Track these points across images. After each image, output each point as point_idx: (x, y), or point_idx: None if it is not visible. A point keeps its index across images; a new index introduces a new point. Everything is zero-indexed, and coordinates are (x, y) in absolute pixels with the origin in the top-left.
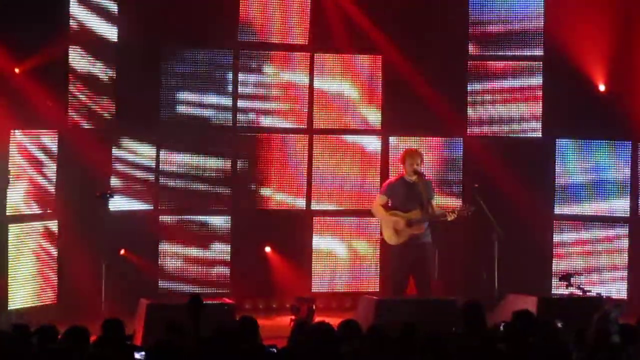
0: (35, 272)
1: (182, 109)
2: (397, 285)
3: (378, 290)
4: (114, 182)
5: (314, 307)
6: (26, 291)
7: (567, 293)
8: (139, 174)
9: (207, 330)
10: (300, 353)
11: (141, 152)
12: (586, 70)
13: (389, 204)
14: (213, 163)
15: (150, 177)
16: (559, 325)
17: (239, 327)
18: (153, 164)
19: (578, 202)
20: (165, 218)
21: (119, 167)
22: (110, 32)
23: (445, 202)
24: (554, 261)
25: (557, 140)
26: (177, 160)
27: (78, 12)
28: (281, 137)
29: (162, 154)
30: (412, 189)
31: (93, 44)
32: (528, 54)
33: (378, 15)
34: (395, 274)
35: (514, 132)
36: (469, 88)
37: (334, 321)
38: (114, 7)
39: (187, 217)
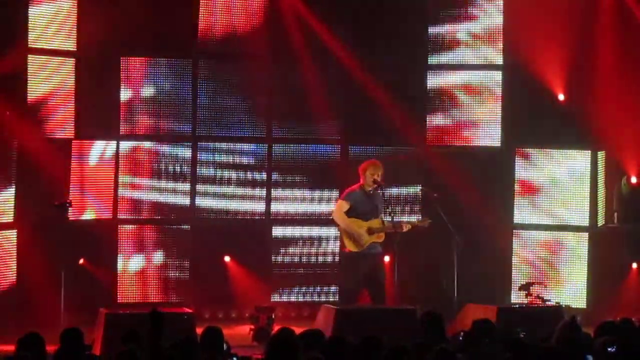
0: None
1: (141, 118)
2: (350, 293)
3: (338, 299)
4: (73, 191)
5: (273, 316)
6: None
7: (526, 302)
8: (98, 183)
9: (166, 339)
10: None
11: (100, 161)
12: (546, 80)
13: (349, 212)
14: (172, 173)
15: (110, 186)
16: (521, 335)
17: (202, 337)
18: (112, 174)
19: (537, 211)
20: (124, 227)
21: (78, 176)
22: (69, 41)
23: (404, 212)
24: (513, 271)
25: (516, 149)
26: (136, 169)
27: (37, 21)
28: (241, 145)
29: (122, 163)
30: (370, 198)
31: (52, 53)
32: (487, 63)
33: (336, 24)
34: (349, 283)
35: (474, 141)
36: (428, 97)
37: (295, 330)
38: (73, 17)
39: (146, 226)
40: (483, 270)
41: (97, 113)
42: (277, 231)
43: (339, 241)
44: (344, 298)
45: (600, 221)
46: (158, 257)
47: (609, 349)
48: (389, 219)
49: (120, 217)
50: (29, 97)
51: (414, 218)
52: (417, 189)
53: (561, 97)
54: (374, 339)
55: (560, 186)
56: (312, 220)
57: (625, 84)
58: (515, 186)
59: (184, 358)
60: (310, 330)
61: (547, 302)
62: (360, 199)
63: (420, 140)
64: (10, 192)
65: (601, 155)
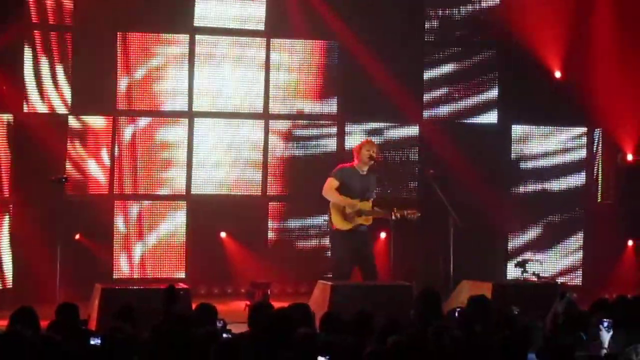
0: None
1: (138, 93)
2: (342, 270)
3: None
4: (69, 166)
5: (268, 292)
6: None
7: (522, 279)
8: (94, 158)
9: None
10: (257, 337)
11: (97, 136)
12: (542, 57)
13: (338, 189)
14: (168, 148)
15: (106, 161)
16: (515, 311)
17: (196, 313)
18: (108, 149)
19: (534, 188)
20: (120, 203)
21: (74, 151)
22: (66, 17)
23: (401, 189)
24: (509, 247)
25: (512, 125)
26: (133, 145)
27: None
28: (236, 123)
29: (118, 138)
30: (362, 180)
31: (49, 28)
32: (484, 40)
33: (333, 1)
34: (340, 259)
35: (470, 117)
36: (425, 74)
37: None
38: None
39: (142, 202)
40: (479, 247)
41: (94, 88)
42: (273, 207)
43: (328, 218)
44: (336, 276)
45: (597, 198)
46: (154, 233)
47: (602, 325)
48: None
49: (117, 192)
50: (25, 71)
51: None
52: (413, 166)
53: (558, 74)
54: (366, 314)
55: (556, 163)
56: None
57: (622, 61)
58: (511, 163)
59: (179, 333)
60: (296, 304)
61: (542, 279)
62: (351, 177)
63: (416, 116)
64: (6, 167)
65: (598, 132)
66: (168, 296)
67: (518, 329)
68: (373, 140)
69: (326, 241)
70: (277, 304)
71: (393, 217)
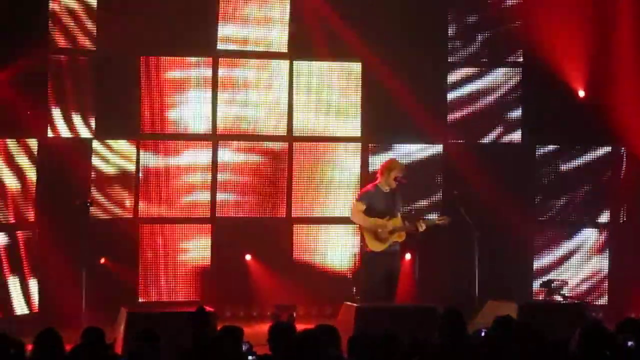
0: (14, 282)
1: (161, 117)
2: (379, 293)
3: (359, 297)
4: (94, 190)
5: (294, 314)
6: (5, 300)
7: (548, 299)
8: (118, 182)
9: (188, 338)
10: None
11: (121, 160)
12: (566, 77)
13: (366, 212)
14: (194, 171)
15: (131, 185)
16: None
17: (221, 335)
18: (133, 173)
19: (559, 208)
20: (145, 226)
21: (99, 175)
22: (89, 41)
23: (426, 210)
24: (534, 267)
25: (537, 146)
26: (158, 168)
27: (57, 21)
28: (262, 145)
29: (142, 162)
30: (387, 198)
31: (73, 52)
32: (508, 60)
33: (356, 22)
34: (371, 282)
35: (494, 138)
36: (448, 95)
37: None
38: (92, 17)
39: (167, 225)
40: (505, 267)
41: (118, 112)
42: (298, 229)
43: (360, 241)
44: (367, 298)
45: (622, 217)
46: (179, 255)
47: (628, 344)
48: (407, 218)
49: (141, 216)
50: (49, 96)
51: (434, 216)
52: (437, 187)
53: (582, 93)
54: (392, 336)
55: (582, 183)
56: (334, 218)
57: None
58: (537, 183)
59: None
60: (323, 325)
61: (568, 299)
62: (376, 198)
63: (440, 137)
64: (31, 191)
65: (622, 151)
66: (198, 319)
67: (546, 347)
68: (400, 161)
69: (350, 263)
70: (302, 327)
71: (420, 230)
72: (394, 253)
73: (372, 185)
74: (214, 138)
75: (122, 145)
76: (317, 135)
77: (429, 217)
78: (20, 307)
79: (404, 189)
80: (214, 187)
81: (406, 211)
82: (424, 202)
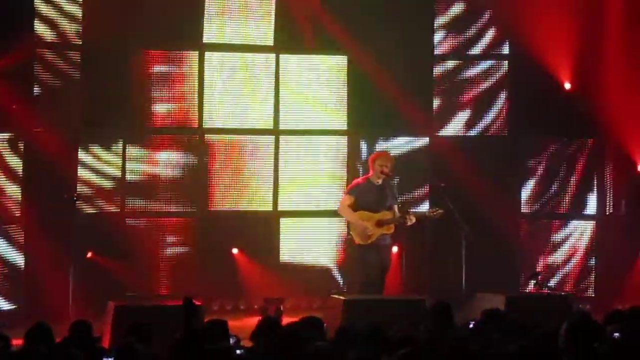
0: (1, 275)
1: (148, 111)
2: (369, 285)
3: (346, 290)
4: (81, 185)
5: (282, 308)
6: None
7: (535, 291)
8: (105, 176)
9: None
10: (267, 352)
11: (108, 154)
12: (552, 69)
13: (355, 205)
14: (181, 165)
15: (117, 179)
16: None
17: (207, 329)
18: (120, 167)
19: (545, 199)
20: (132, 220)
21: (86, 170)
22: (75, 34)
23: (413, 202)
24: (522, 259)
25: (523, 138)
26: (144, 162)
27: (43, 15)
28: (248, 138)
29: (129, 156)
30: (378, 190)
31: (59, 46)
32: (494, 52)
33: (342, 15)
34: (367, 274)
35: (481, 130)
36: (434, 88)
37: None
38: (78, 10)
39: (154, 219)
40: (492, 260)
41: (104, 106)
42: (285, 223)
43: (347, 234)
44: (364, 290)
45: (608, 210)
46: (166, 249)
47: (615, 335)
48: (400, 210)
49: (128, 209)
50: (36, 90)
51: (423, 208)
52: (424, 179)
53: (568, 85)
54: (379, 327)
55: (567, 175)
56: (321, 212)
57: (633, 71)
58: (523, 175)
59: (192, 349)
60: (307, 317)
61: (555, 291)
62: (365, 190)
63: (427, 129)
64: (17, 185)
65: (608, 143)
66: (187, 309)
67: (534, 340)
68: (388, 153)
69: (337, 256)
70: (290, 319)
71: (409, 223)
72: (387, 246)
73: (363, 178)
74: (201, 132)
75: (109, 138)
76: (303, 128)
77: (419, 210)
78: (7, 302)
79: (398, 182)
80: (201, 181)
81: (398, 203)
82: (411, 195)
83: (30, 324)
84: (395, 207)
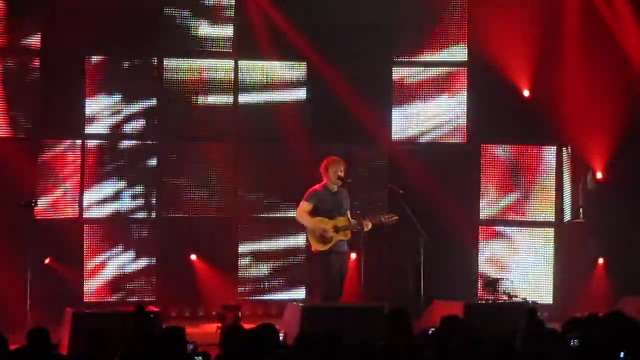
0: None
1: (106, 117)
2: (332, 292)
3: (304, 297)
4: (39, 190)
5: (240, 314)
6: None
7: (493, 298)
8: (62, 182)
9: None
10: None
11: (65, 160)
12: (511, 76)
13: (313, 212)
14: (138, 171)
15: (76, 184)
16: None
17: (163, 335)
18: (76, 172)
19: (504, 207)
20: (90, 226)
21: (43, 175)
22: (34, 39)
23: (371, 209)
24: (479, 267)
25: (482, 145)
26: (102, 168)
27: (1, 18)
28: (207, 145)
29: (87, 161)
30: (335, 197)
31: (17, 50)
32: (453, 60)
33: (301, 22)
34: (330, 281)
35: (439, 138)
36: (393, 94)
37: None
38: (38, 14)
39: (112, 225)
40: (450, 267)
41: (62, 112)
42: (243, 228)
43: (305, 242)
44: (327, 295)
45: (567, 217)
46: (124, 256)
47: (573, 342)
48: (354, 217)
49: (86, 216)
50: None
51: (380, 215)
52: (382, 186)
53: (526, 92)
54: (336, 335)
55: (525, 182)
56: (278, 218)
57: (590, 79)
58: (481, 182)
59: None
60: (263, 324)
61: (514, 298)
62: (323, 198)
63: (385, 136)
64: None
65: (567, 150)
66: (138, 315)
67: (491, 348)
68: (338, 157)
69: (298, 262)
70: (248, 326)
71: (366, 229)
72: (344, 253)
73: (320, 186)
74: (161, 139)
75: (65, 145)
76: (262, 135)
77: (375, 216)
78: None
79: (352, 187)
80: (160, 187)
81: (353, 210)
82: (369, 202)
83: None
84: (348, 214)
